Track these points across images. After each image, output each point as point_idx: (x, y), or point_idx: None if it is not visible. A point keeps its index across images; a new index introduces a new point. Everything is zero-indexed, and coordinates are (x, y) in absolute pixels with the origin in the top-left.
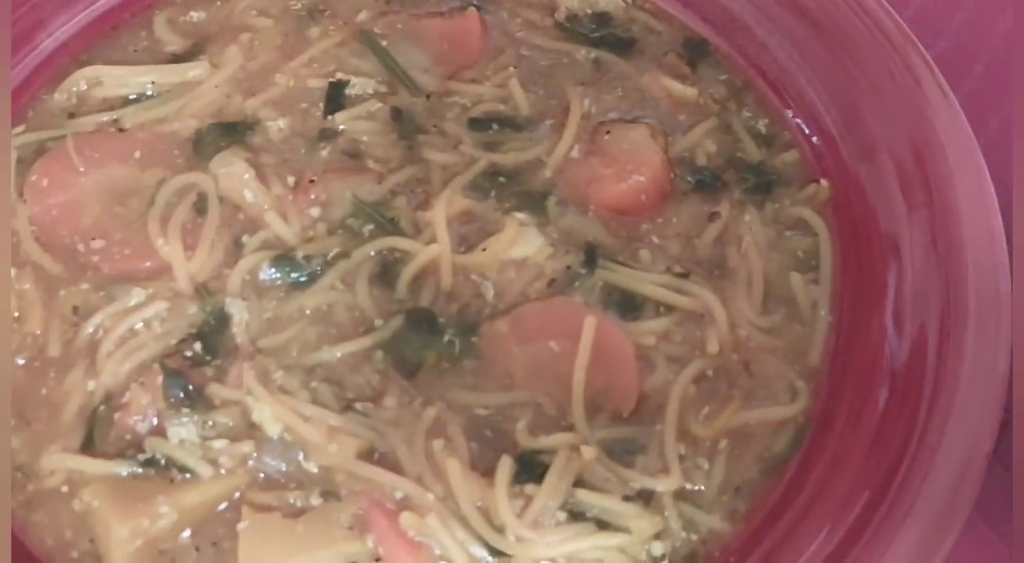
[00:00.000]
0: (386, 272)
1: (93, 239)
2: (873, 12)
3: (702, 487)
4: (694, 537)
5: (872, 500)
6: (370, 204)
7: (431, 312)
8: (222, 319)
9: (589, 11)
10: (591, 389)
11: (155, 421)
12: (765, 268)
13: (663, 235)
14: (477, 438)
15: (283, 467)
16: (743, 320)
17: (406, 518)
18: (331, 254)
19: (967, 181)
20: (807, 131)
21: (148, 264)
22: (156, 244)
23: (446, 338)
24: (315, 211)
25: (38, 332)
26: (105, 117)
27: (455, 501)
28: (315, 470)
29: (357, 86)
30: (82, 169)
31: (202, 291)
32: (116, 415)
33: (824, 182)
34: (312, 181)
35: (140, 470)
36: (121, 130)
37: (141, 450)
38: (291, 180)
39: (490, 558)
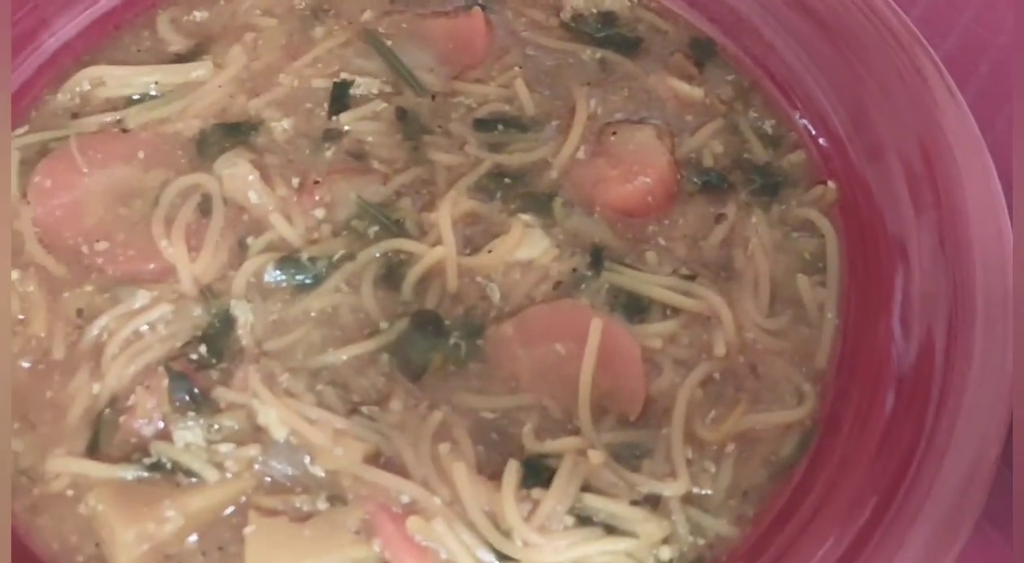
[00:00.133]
0: (391, 274)
1: (97, 241)
2: (881, 12)
3: (709, 491)
4: (701, 541)
5: (880, 504)
6: (375, 205)
7: (436, 314)
8: (227, 321)
9: (595, 11)
10: (597, 392)
11: (160, 424)
12: (772, 270)
13: (669, 237)
14: (483, 442)
15: (289, 471)
16: (750, 322)
17: (413, 522)
18: (336, 256)
19: (975, 182)
20: (814, 132)
21: (152, 266)
22: (160, 246)
23: (452, 341)
24: (320, 212)
25: (42, 334)
26: (108, 117)
27: (462, 505)
28: (321, 474)
29: (362, 86)
30: (85, 170)
31: (207, 293)
32: (121, 418)
33: (831, 184)
34: (317, 182)
35: (146, 474)
36: (124, 131)
37: (147, 454)
38: (295, 181)
39: None
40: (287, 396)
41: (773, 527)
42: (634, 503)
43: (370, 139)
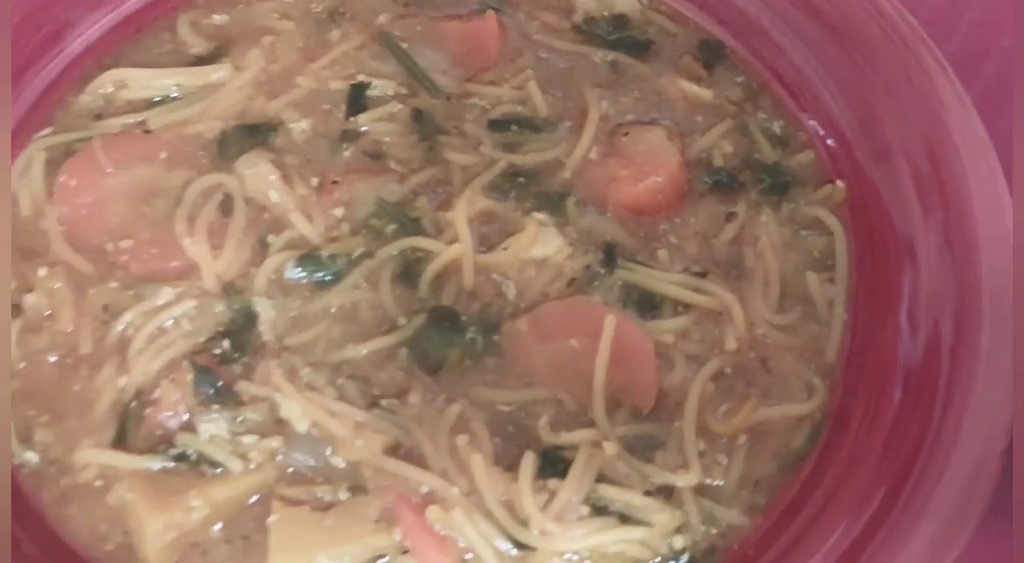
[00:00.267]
0: (409, 271)
1: (121, 239)
2: (888, 14)
3: (721, 482)
4: (713, 531)
5: (888, 496)
6: (393, 204)
7: (453, 311)
8: (249, 317)
9: (606, 14)
10: (611, 386)
11: (185, 417)
12: (781, 267)
13: (681, 235)
14: (500, 434)
15: (311, 462)
16: (760, 319)
17: (432, 512)
18: (355, 254)
19: (981, 183)
20: (822, 133)
21: (175, 263)
22: (183, 244)
23: (468, 336)
24: (339, 211)
25: (69, 330)
26: (131, 119)
27: (480, 495)
28: (342, 465)
29: (378, 88)
30: (109, 170)
31: (229, 290)
32: (147, 411)
33: (840, 183)
34: (335, 182)
35: (172, 465)
36: (147, 132)
37: (172, 445)
38: (314, 181)
39: (514, 551)
40: (308, 390)
41: (783, 517)
42: (648, 493)
43: (387, 139)
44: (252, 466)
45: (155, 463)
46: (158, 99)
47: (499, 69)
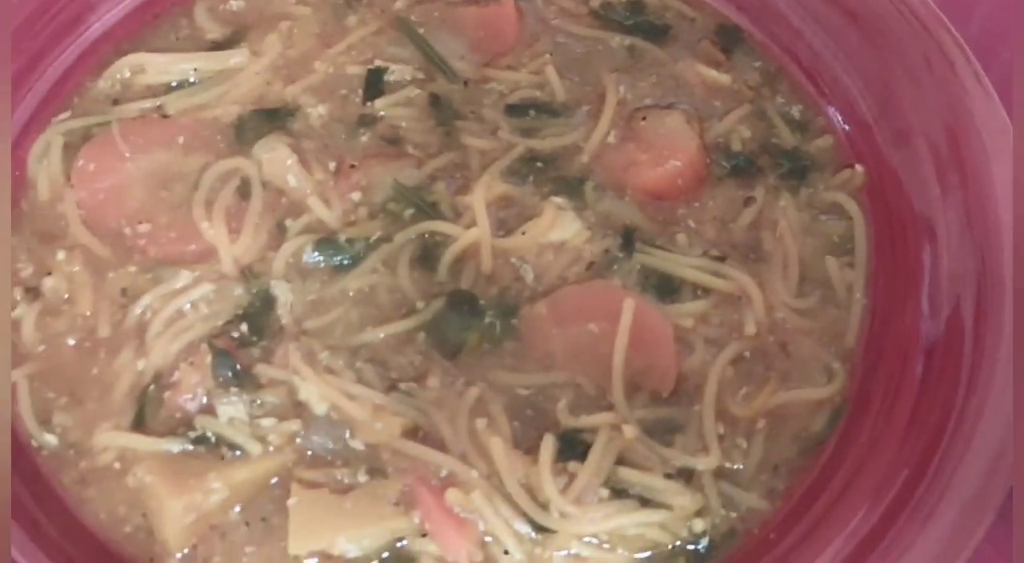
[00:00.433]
0: (427, 255)
1: (139, 223)
2: None
3: (741, 466)
4: (733, 514)
5: (909, 479)
6: (410, 189)
7: (472, 294)
8: (267, 301)
9: None
10: (630, 370)
11: (204, 400)
12: (800, 252)
13: (699, 219)
14: (519, 417)
15: (330, 445)
16: (779, 303)
17: (452, 494)
18: (373, 238)
19: (1003, 164)
20: (841, 117)
21: (193, 247)
22: (201, 227)
23: (487, 320)
24: (356, 195)
25: (88, 313)
26: (149, 104)
27: (499, 478)
28: (361, 448)
29: (395, 73)
30: (127, 154)
31: (247, 274)
32: (166, 394)
33: (859, 167)
34: (353, 166)
35: (191, 447)
36: (165, 116)
37: (191, 428)
38: (332, 165)
39: (534, 534)
40: (327, 373)
41: (803, 501)
42: (667, 476)
43: (404, 124)
44: (271, 449)
45: (174, 446)
46: (176, 84)
47: (517, 54)
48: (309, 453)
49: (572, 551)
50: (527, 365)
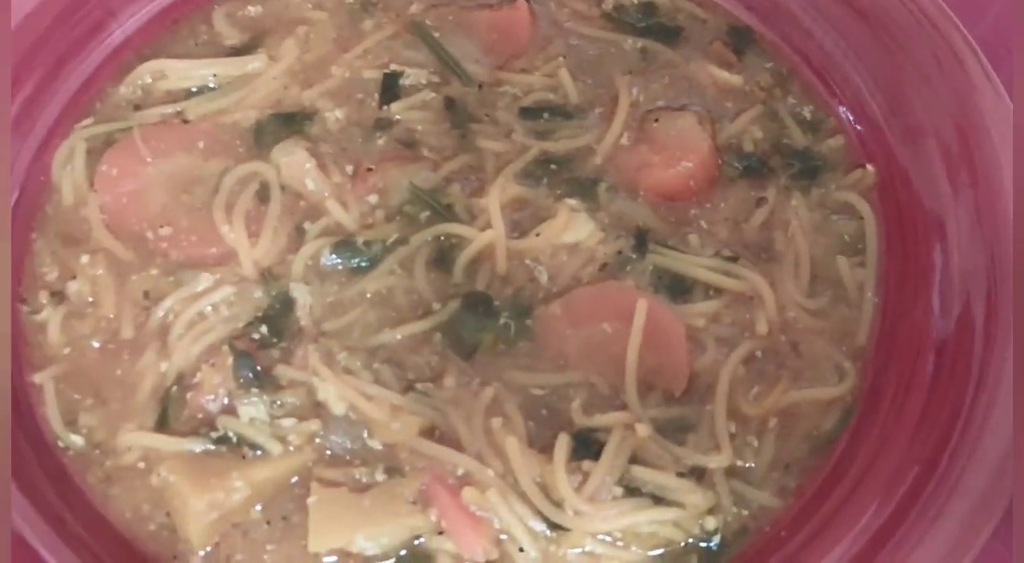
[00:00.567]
0: (443, 257)
1: (161, 226)
2: None
3: (752, 464)
4: (745, 512)
5: (919, 477)
6: (426, 191)
7: (487, 295)
8: (287, 303)
9: (635, 1)
10: (643, 369)
11: (226, 400)
12: (812, 251)
13: (711, 220)
14: (534, 417)
15: (348, 444)
16: (791, 302)
17: (468, 493)
18: (390, 240)
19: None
20: (852, 117)
21: (214, 250)
22: (221, 231)
23: (502, 321)
24: (373, 198)
25: (111, 316)
26: (169, 109)
27: (514, 477)
28: (379, 447)
29: (411, 77)
30: (149, 159)
31: (267, 276)
32: (188, 395)
33: (870, 167)
34: (370, 169)
35: (213, 447)
36: (185, 121)
37: (213, 428)
38: (349, 169)
39: (548, 532)
40: (345, 374)
41: (815, 499)
42: (680, 475)
43: (420, 128)
44: (291, 448)
45: (197, 445)
46: (195, 89)
47: (530, 57)
48: (328, 452)
49: (586, 548)
50: (541, 365)
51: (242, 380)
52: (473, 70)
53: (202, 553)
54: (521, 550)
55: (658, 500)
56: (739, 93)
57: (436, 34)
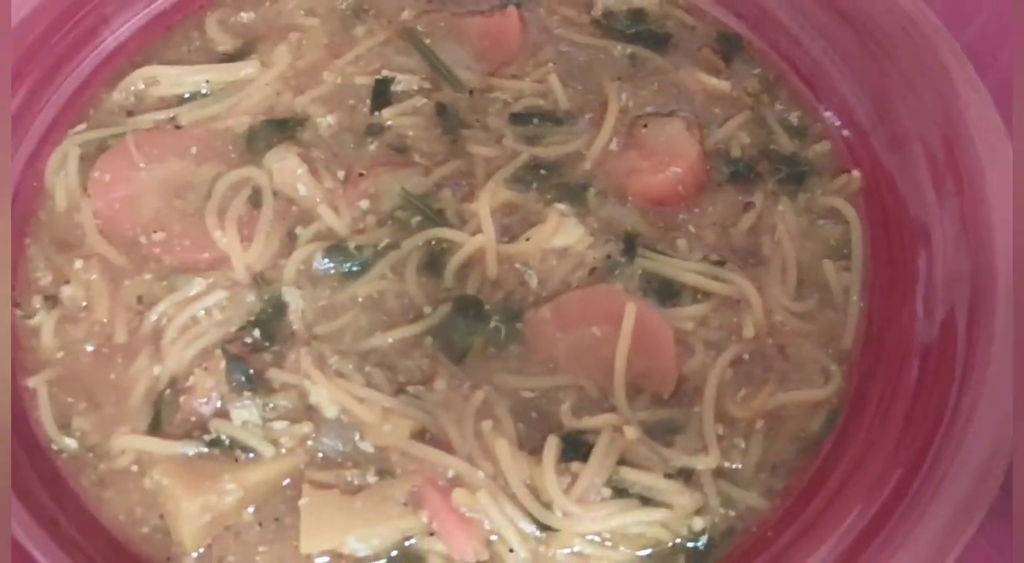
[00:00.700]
0: (434, 261)
1: (154, 231)
2: (903, 5)
3: (739, 465)
4: (732, 513)
5: (903, 479)
6: (417, 196)
7: (477, 299)
8: (279, 307)
9: (625, 8)
10: (632, 372)
11: (218, 404)
12: (798, 255)
13: (699, 224)
14: (523, 419)
15: (340, 447)
16: (778, 306)
17: (458, 495)
18: (381, 245)
19: (997, 170)
20: (839, 123)
21: (207, 255)
22: (214, 236)
23: (492, 324)
24: (365, 203)
25: (105, 320)
26: (162, 115)
27: (504, 479)
28: (371, 449)
29: (402, 83)
30: (142, 165)
31: (259, 280)
32: (181, 398)
33: (856, 172)
34: (361, 175)
35: (206, 450)
36: (178, 127)
37: (206, 431)
38: (341, 174)
39: (538, 532)
40: (337, 377)
41: (801, 500)
42: (668, 476)
43: (411, 133)
44: (283, 451)
45: (189, 448)
46: (188, 95)
47: (520, 63)
48: (320, 455)
49: (575, 549)
50: (531, 368)
51: (235, 384)
52: (464, 76)
53: (195, 555)
54: (511, 551)
55: (646, 501)
56: (727, 99)
57: (427, 40)
